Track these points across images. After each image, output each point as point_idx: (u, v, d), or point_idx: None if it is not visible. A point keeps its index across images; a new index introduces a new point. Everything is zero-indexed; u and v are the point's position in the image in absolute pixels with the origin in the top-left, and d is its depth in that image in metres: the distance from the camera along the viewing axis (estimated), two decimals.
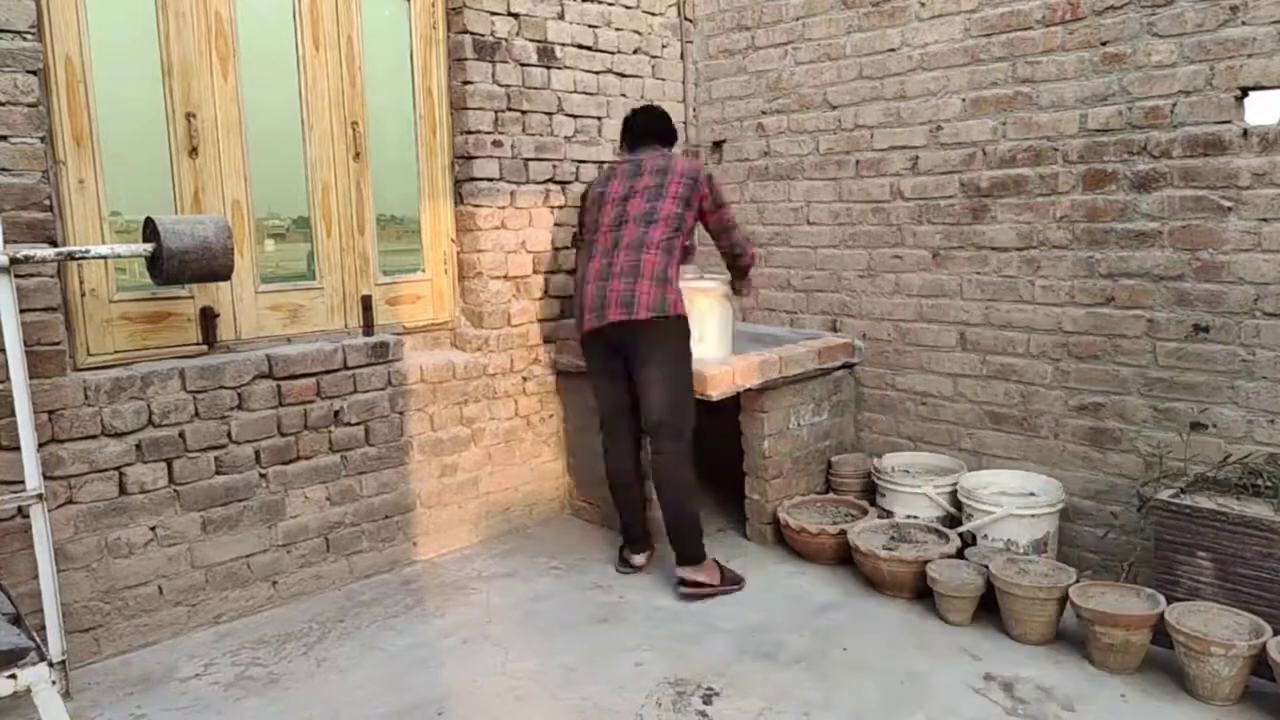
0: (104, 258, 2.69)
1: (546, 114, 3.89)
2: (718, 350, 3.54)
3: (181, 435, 2.93)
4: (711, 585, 3.22)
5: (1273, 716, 2.42)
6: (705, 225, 3.39)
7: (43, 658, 2.02)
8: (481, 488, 3.79)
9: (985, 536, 3.25)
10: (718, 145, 4.45)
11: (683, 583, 3.22)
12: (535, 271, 3.91)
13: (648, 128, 3.50)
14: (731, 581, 3.28)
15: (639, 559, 3.47)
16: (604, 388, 3.41)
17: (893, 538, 3.36)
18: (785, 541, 3.60)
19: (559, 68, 3.91)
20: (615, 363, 3.31)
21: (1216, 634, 2.48)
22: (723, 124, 4.41)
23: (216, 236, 2.56)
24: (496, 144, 3.73)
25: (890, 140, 3.77)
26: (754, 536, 3.73)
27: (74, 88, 2.77)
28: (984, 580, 2.92)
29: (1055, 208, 3.32)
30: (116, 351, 2.93)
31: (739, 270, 3.56)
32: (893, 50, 3.72)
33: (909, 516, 3.47)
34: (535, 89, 3.84)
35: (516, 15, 3.73)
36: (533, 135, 3.85)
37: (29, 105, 2.56)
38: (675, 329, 3.22)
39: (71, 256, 2.47)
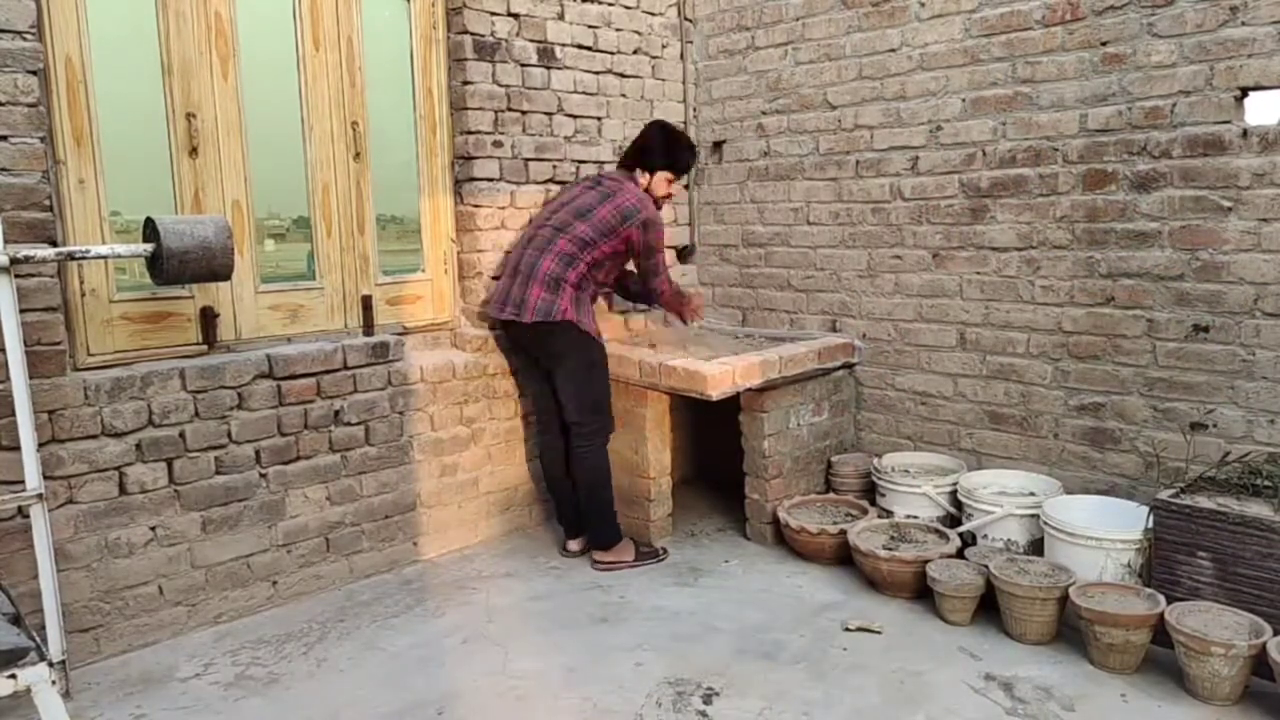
0: (104, 258, 2.69)
1: (546, 114, 3.89)
2: None
3: (181, 435, 2.93)
4: (624, 561, 3.48)
5: (1273, 716, 2.42)
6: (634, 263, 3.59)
7: (43, 658, 2.02)
8: (481, 488, 3.79)
9: (985, 536, 3.25)
10: (718, 145, 4.45)
11: (596, 562, 3.51)
12: None
13: (633, 146, 3.67)
14: (646, 557, 3.53)
15: (573, 544, 3.64)
16: (527, 382, 3.75)
17: (893, 538, 3.37)
18: (785, 541, 3.60)
19: (559, 68, 3.91)
20: (529, 359, 3.63)
21: (1216, 634, 2.47)
22: (723, 124, 4.41)
23: (216, 236, 2.56)
24: (496, 144, 3.73)
25: (890, 140, 3.77)
26: (754, 536, 3.73)
27: (74, 88, 2.77)
28: (984, 580, 2.91)
29: (1055, 208, 3.32)
30: (116, 351, 2.93)
31: (651, 303, 3.82)
32: (893, 50, 3.72)
33: (909, 516, 3.47)
34: (535, 89, 3.84)
35: (516, 15, 3.73)
36: (533, 135, 3.85)
37: (29, 105, 2.56)
38: (566, 335, 3.40)
39: (71, 256, 2.47)
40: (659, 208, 3.58)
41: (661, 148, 3.58)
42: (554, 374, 3.50)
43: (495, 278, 3.75)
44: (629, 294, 3.86)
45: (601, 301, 3.90)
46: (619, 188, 3.49)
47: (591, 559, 3.53)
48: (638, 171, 3.58)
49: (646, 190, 3.56)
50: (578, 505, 3.60)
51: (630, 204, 3.43)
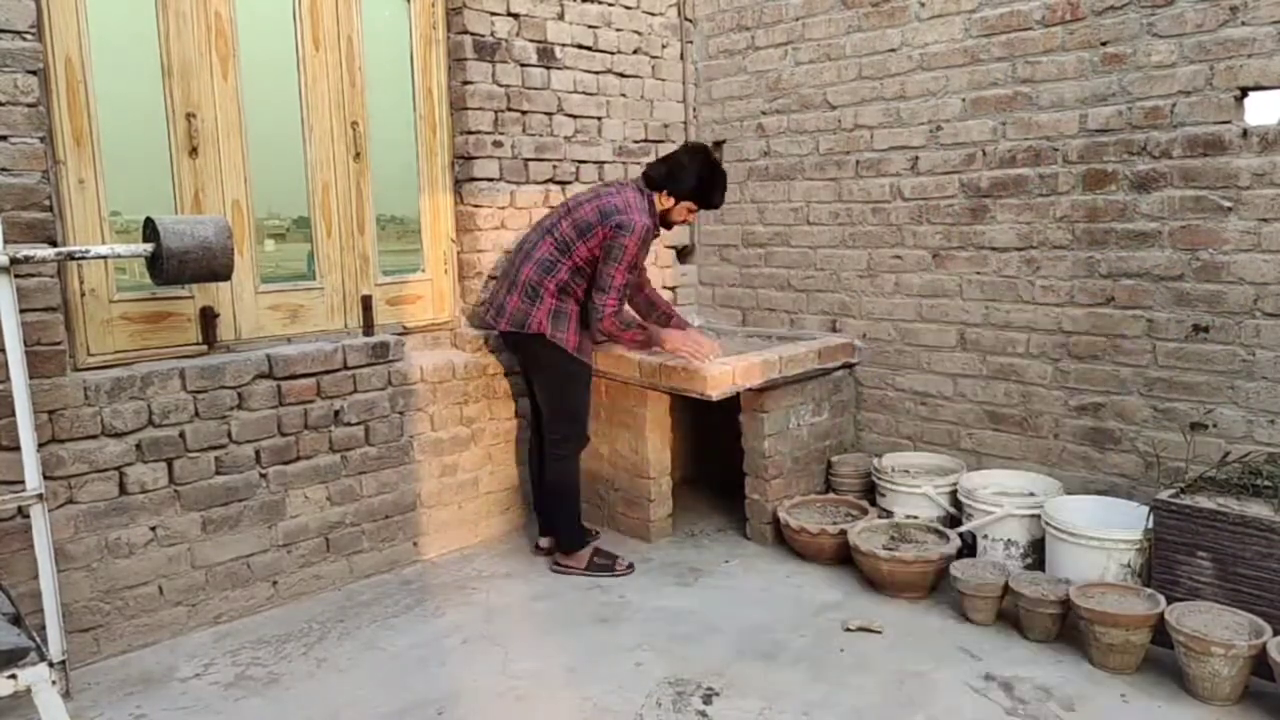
0: (104, 258, 2.69)
1: (546, 114, 3.89)
2: None
3: (181, 435, 2.93)
4: (575, 568, 3.46)
5: (1273, 716, 2.42)
6: None
7: (43, 658, 2.02)
8: (481, 488, 3.79)
9: (985, 536, 3.25)
10: (718, 145, 4.45)
11: (555, 563, 3.52)
12: None
13: (667, 161, 3.42)
14: (600, 569, 3.45)
15: (543, 542, 3.65)
16: (522, 380, 3.74)
17: (893, 538, 3.37)
18: (785, 541, 3.60)
19: (559, 68, 3.91)
20: (517, 362, 3.64)
21: (1216, 634, 2.47)
22: (723, 124, 4.41)
23: (216, 236, 2.56)
24: (496, 144, 3.73)
25: (890, 140, 3.77)
26: (754, 536, 3.73)
27: (74, 88, 2.77)
28: (1004, 582, 2.92)
29: (1055, 208, 3.32)
30: (116, 351, 2.93)
31: (591, 327, 3.38)
32: (893, 50, 3.72)
33: (909, 516, 3.47)
34: (535, 89, 3.84)
35: (516, 15, 3.73)
36: (533, 135, 3.85)
37: (29, 105, 2.56)
38: (536, 348, 3.37)
39: (71, 256, 2.47)
40: (662, 229, 3.47)
41: (698, 179, 3.35)
42: (532, 378, 3.54)
43: (493, 278, 3.76)
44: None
45: None
46: (614, 190, 3.37)
47: (553, 560, 3.54)
48: (663, 193, 3.36)
49: (664, 212, 3.39)
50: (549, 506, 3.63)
51: (613, 204, 3.28)
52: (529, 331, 3.32)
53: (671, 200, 3.38)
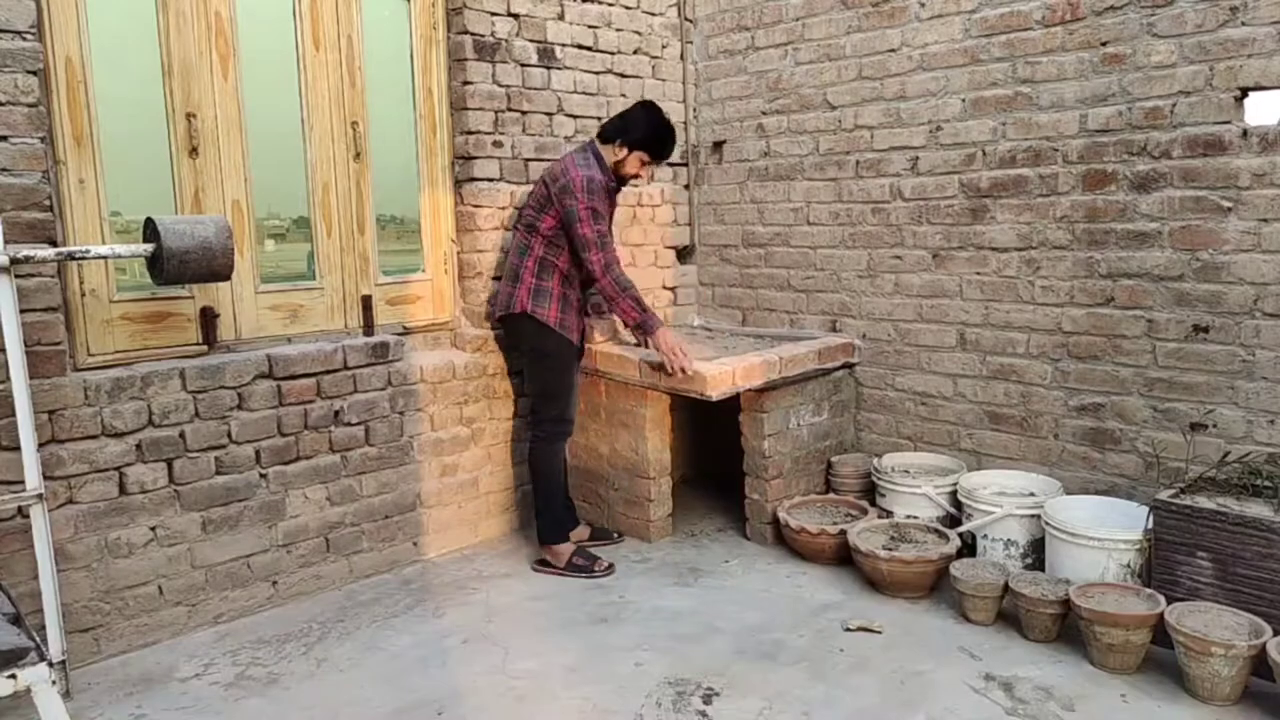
0: (104, 258, 2.69)
1: (546, 114, 3.89)
2: None
3: (182, 435, 2.93)
4: (555, 567, 3.46)
5: (1273, 716, 2.42)
6: None
7: (43, 658, 2.02)
8: (481, 488, 3.79)
9: (985, 536, 3.25)
10: (718, 145, 4.45)
11: (537, 560, 3.53)
12: None
13: (616, 118, 3.52)
14: (580, 569, 3.43)
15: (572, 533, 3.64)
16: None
17: (893, 538, 3.37)
18: (785, 541, 3.60)
19: (559, 68, 3.91)
20: (514, 355, 3.73)
21: (1216, 634, 2.47)
22: (723, 124, 4.41)
23: (216, 236, 2.56)
24: (497, 144, 3.73)
25: (890, 140, 3.77)
26: (754, 536, 3.73)
27: (74, 88, 2.77)
28: (1003, 582, 2.92)
29: (1055, 208, 3.32)
30: (116, 351, 2.93)
31: (606, 301, 3.44)
32: (893, 50, 3.72)
33: (909, 516, 3.47)
34: (535, 89, 3.84)
35: (516, 15, 3.73)
36: (533, 135, 3.85)
37: (29, 105, 2.56)
38: (521, 326, 3.45)
39: (71, 256, 2.47)
40: (623, 184, 3.50)
41: (645, 127, 3.41)
42: (523, 366, 3.64)
43: (495, 279, 3.76)
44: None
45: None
46: (557, 160, 3.48)
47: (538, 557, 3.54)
48: (616, 144, 3.40)
49: (617, 164, 3.42)
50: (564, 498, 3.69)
51: (552, 172, 3.38)
52: (514, 312, 3.41)
53: (624, 150, 3.40)
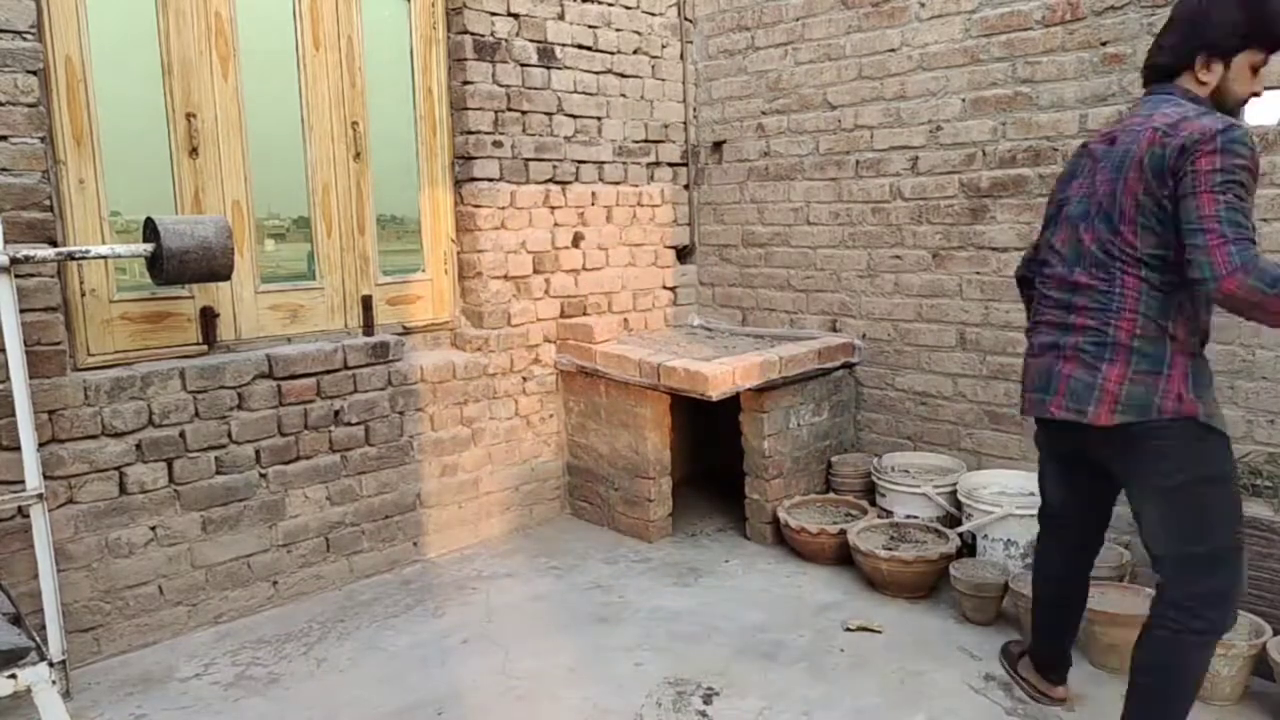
0: (104, 258, 2.69)
1: (546, 114, 3.89)
2: None
3: (181, 435, 2.93)
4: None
5: (1273, 716, 2.42)
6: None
7: (43, 658, 2.03)
8: (481, 488, 3.79)
9: (985, 536, 3.25)
10: (718, 145, 4.45)
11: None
12: (535, 271, 3.91)
13: (1172, 33, 2.11)
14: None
15: (1059, 690, 2.51)
16: (1054, 486, 2.44)
17: (892, 538, 3.37)
18: (785, 541, 3.60)
19: (559, 68, 3.91)
20: (1076, 461, 2.31)
21: None
22: (723, 124, 4.41)
23: (216, 236, 2.57)
24: (496, 144, 3.73)
25: (890, 140, 3.77)
26: (754, 536, 3.73)
27: (74, 88, 2.77)
28: (1003, 582, 2.92)
29: None
30: (116, 351, 2.93)
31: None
32: (893, 50, 3.72)
33: (909, 516, 3.47)
34: (535, 89, 3.84)
35: (516, 15, 3.73)
36: (533, 135, 3.85)
37: (29, 105, 2.56)
38: (1167, 439, 2.01)
39: (71, 256, 2.47)
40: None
41: (1237, 7, 1.99)
42: (1131, 487, 2.11)
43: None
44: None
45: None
46: (1150, 113, 2.03)
47: None
48: (1199, 65, 2.05)
49: (1216, 92, 2.06)
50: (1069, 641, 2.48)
51: (1181, 124, 1.93)
52: (1157, 419, 1.97)
53: (1220, 64, 2.04)
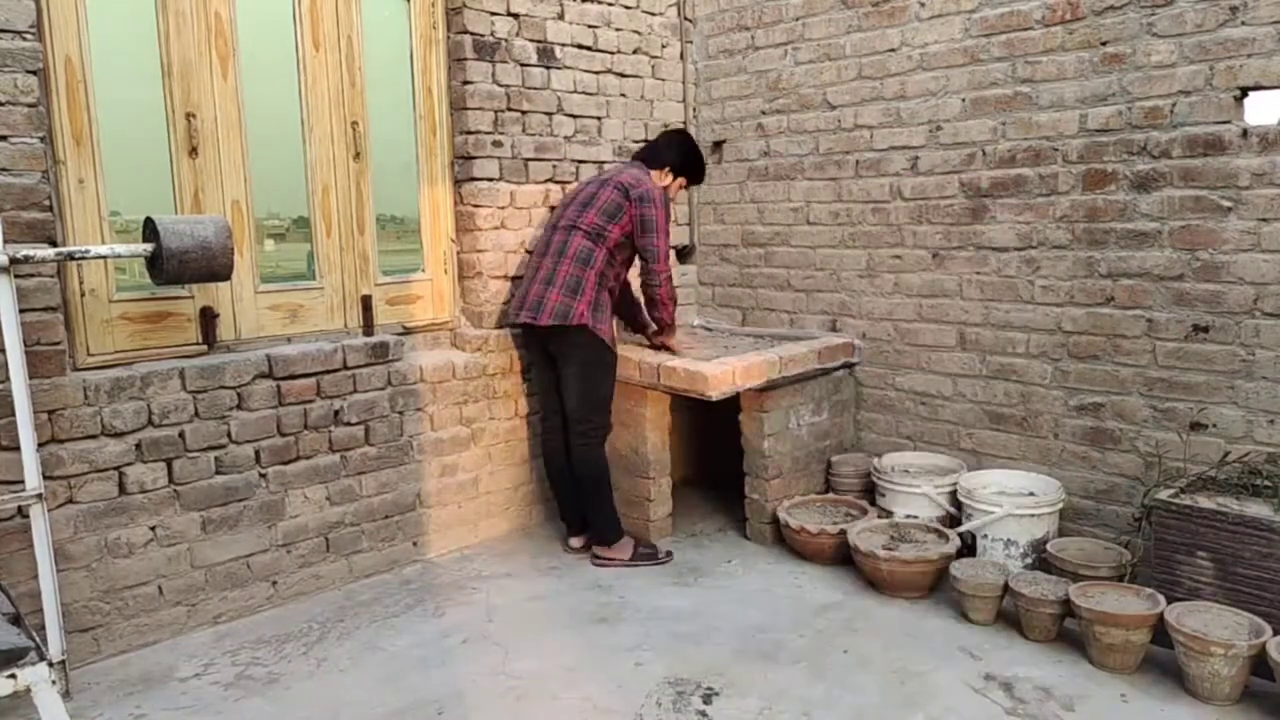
0: (104, 258, 2.69)
1: (546, 114, 3.89)
2: None
3: (181, 435, 2.93)
4: (619, 559, 3.52)
5: (1273, 716, 2.42)
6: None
7: (43, 658, 2.02)
8: (481, 488, 3.79)
9: (985, 536, 3.25)
10: (718, 145, 4.45)
11: (595, 556, 3.56)
12: None
13: (654, 147, 3.73)
14: (644, 557, 3.55)
15: (575, 541, 3.69)
16: (537, 377, 3.73)
17: (893, 538, 3.36)
18: (785, 541, 3.60)
19: (559, 68, 3.91)
20: (543, 355, 3.60)
21: (1216, 634, 2.47)
22: (723, 124, 4.41)
23: (216, 236, 2.56)
24: (496, 144, 3.73)
25: (890, 140, 3.77)
26: (754, 536, 3.73)
27: (74, 88, 2.77)
28: (1003, 582, 2.92)
29: (1055, 208, 3.32)
30: (116, 351, 2.93)
31: (650, 303, 3.60)
32: (892, 50, 3.72)
33: (909, 516, 3.47)
34: (535, 89, 3.84)
35: (516, 15, 3.73)
36: (533, 135, 3.85)
37: (29, 105, 2.56)
38: (579, 338, 3.41)
39: (71, 256, 2.47)
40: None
41: (685, 156, 3.69)
42: (562, 371, 3.52)
43: (516, 278, 3.80)
44: (635, 323, 3.87)
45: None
46: (618, 170, 3.57)
47: (591, 554, 3.57)
48: (664, 170, 3.65)
49: (664, 187, 3.61)
50: (579, 501, 3.63)
51: (626, 181, 3.46)
52: (571, 324, 3.36)
53: (669, 176, 3.66)
